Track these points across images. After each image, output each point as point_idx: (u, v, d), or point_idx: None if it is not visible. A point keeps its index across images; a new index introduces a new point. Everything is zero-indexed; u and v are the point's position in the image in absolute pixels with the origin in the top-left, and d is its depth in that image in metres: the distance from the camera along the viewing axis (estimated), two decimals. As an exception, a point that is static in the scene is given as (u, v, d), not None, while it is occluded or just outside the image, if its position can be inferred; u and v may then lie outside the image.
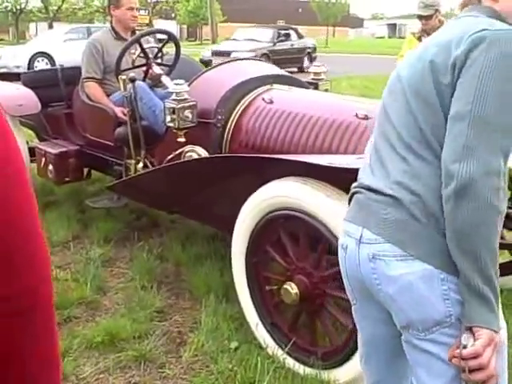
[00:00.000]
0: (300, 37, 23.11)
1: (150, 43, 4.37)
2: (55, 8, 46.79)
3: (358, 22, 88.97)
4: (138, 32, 4.55)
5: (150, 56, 4.16)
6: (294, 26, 24.69)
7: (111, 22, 4.64)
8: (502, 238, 3.69)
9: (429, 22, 5.52)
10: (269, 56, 18.34)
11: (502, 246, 3.68)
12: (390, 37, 76.77)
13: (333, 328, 2.77)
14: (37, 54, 18.09)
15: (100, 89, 4.41)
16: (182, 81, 3.58)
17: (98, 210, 4.81)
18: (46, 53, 18.14)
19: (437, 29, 5.39)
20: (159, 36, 5.14)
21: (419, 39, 5.74)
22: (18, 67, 16.25)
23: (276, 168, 2.86)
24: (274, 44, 21.00)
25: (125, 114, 4.02)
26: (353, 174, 2.49)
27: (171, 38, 4.25)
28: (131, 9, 4.51)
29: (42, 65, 17.64)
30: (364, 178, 1.64)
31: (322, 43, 48.74)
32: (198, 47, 44.34)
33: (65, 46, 17.80)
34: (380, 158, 1.59)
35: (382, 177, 1.55)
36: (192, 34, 65.66)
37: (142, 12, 26.33)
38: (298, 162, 2.61)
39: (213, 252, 4.09)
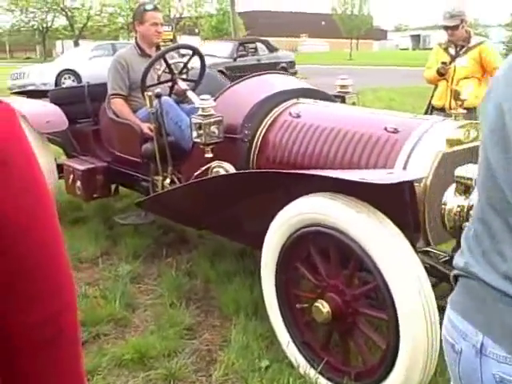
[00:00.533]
0: (272, 50, 21.01)
1: (174, 59, 4.36)
2: (80, 26, 47.40)
3: (381, 34, 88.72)
4: (162, 48, 4.56)
5: (175, 71, 4.16)
6: (263, 38, 22.45)
7: (136, 39, 4.66)
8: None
9: (455, 32, 5.45)
10: (224, 73, 15.63)
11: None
12: (414, 48, 76.39)
13: (366, 347, 2.71)
14: (63, 71, 18.33)
15: (126, 105, 4.43)
16: (207, 96, 3.57)
17: (126, 226, 4.81)
18: (72, 70, 18.38)
19: (464, 39, 5.32)
20: (183, 51, 5.13)
21: (446, 50, 5.67)
22: (45, 84, 16.47)
23: (305, 184, 2.82)
24: (235, 59, 18.95)
25: (151, 130, 4.03)
26: (384, 189, 2.48)
27: (196, 52, 4.25)
28: (155, 24, 4.52)
29: (68, 82, 17.87)
30: (471, 260, 1.24)
31: (346, 56, 48.68)
32: (222, 62, 44.58)
33: (90, 63, 18.01)
34: (490, 233, 1.20)
35: (499, 263, 1.17)
36: (216, 48, 66.03)
37: (166, 28, 26.53)
38: (327, 177, 2.57)
39: (242, 268, 4.06)
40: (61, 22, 50.92)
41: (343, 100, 4.15)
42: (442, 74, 5.54)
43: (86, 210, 5.54)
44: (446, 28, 5.47)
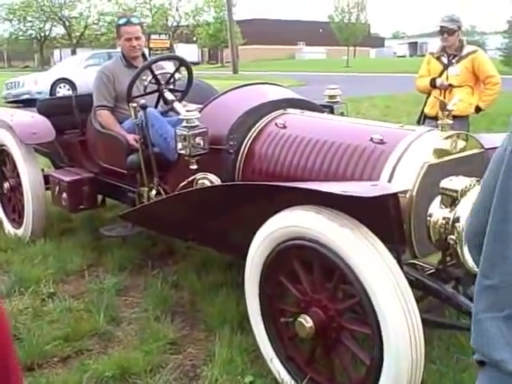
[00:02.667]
0: None
1: (163, 69, 4.31)
2: (78, 34, 47.52)
3: (379, 42, 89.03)
4: (149, 58, 4.52)
5: (162, 82, 4.11)
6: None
7: (122, 51, 4.62)
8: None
9: (450, 37, 5.43)
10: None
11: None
12: (411, 55, 76.54)
13: (350, 363, 2.65)
14: (58, 80, 18.32)
15: (112, 117, 4.39)
16: (193, 107, 3.52)
17: (114, 237, 4.76)
18: (67, 79, 18.36)
19: (457, 49, 5.28)
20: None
21: (438, 59, 5.63)
22: (39, 93, 16.47)
23: (289, 196, 2.77)
24: None
25: (137, 141, 3.98)
26: (367, 202, 2.43)
27: (183, 63, 4.21)
28: (129, 39, 4.46)
29: (63, 91, 17.85)
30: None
31: (343, 63, 48.80)
32: (219, 69, 44.69)
33: (86, 71, 17.98)
34: None
35: None
36: (213, 56, 66.30)
37: (163, 36, 26.54)
38: (310, 190, 2.52)
39: (229, 281, 4.00)
40: (58, 30, 51.09)
41: (332, 110, 4.10)
42: (435, 85, 5.54)
43: (74, 221, 5.49)
44: (443, 31, 5.43)
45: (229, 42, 39.09)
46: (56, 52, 56.52)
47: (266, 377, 2.94)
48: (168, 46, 25.94)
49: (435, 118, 5.36)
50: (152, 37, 24.59)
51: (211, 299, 3.78)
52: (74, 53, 41.56)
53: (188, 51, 48.24)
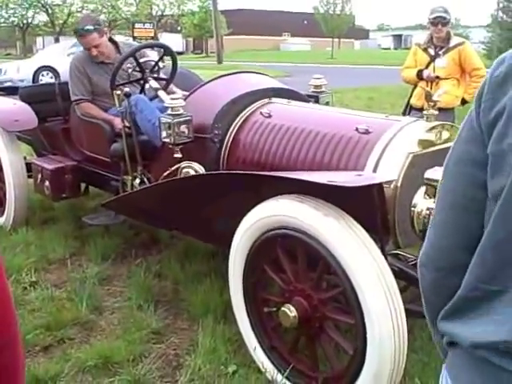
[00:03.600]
0: None
1: (146, 57, 4.27)
2: (61, 22, 47.03)
3: (363, 34, 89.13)
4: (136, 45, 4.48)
5: (147, 70, 4.07)
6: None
7: None
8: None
9: (443, 28, 5.41)
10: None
11: None
12: (395, 48, 76.78)
13: (334, 352, 2.66)
14: (41, 67, 18.12)
15: (93, 106, 4.35)
16: (177, 95, 3.50)
17: (97, 226, 4.72)
18: (50, 66, 18.16)
19: (444, 40, 5.26)
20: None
21: (425, 51, 5.62)
22: (22, 81, 16.28)
23: (274, 185, 2.76)
24: None
25: (125, 127, 3.93)
26: (352, 192, 2.42)
27: (167, 51, 4.17)
28: (88, 49, 4.42)
29: (46, 79, 17.66)
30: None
31: (328, 55, 48.78)
32: (204, 59, 44.49)
33: (69, 59, 17.73)
34: None
35: None
36: (198, 46, 65.97)
37: (148, 25, 26.38)
38: (295, 179, 2.51)
39: (213, 270, 3.98)
40: (41, 18, 50.51)
41: (317, 100, 4.09)
42: (422, 77, 5.53)
43: (56, 209, 5.44)
44: (437, 22, 5.40)
45: (213, 32, 38.93)
46: (39, 40, 55.91)
47: (250, 366, 2.93)
48: (152, 35, 25.82)
49: (421, 110, 5.35)
50: (136, 26, 24.46)
51: (194, 288, 3.76)
52: (57, 40, 41.14)
53: (172, 41, 47.93)
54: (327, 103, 4.10)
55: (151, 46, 4.45)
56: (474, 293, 1.03)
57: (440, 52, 5.51)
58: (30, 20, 50.20)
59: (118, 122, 4.06)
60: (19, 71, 17.78)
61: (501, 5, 33.47)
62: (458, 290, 1.06)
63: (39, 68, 18.11)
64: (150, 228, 4.72)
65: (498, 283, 0.98)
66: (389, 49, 75.92)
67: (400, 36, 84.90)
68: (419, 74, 5.56)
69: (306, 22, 72.33)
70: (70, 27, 46.71)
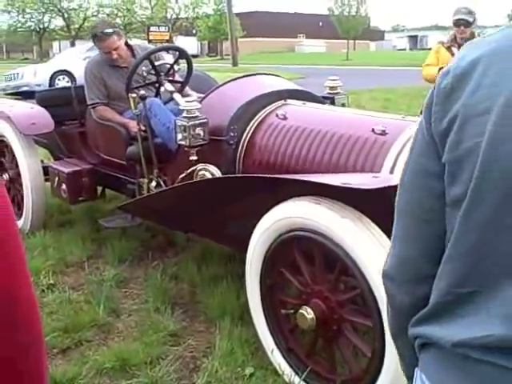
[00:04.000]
0: None
1: (162, 60, 4.28)
2: (77, 26, 47.39)
3: (379, 35, 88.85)
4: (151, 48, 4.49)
5: (161, 73, 4.09)
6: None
7: None
8: None
9: (466, 29, 5.36)
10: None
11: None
12: (411, 49, 76.44)
13: (352, 355, 2.64)
14: (57, 72, 18.26)
15: (109, 109, 4.38)
16: (193, 97, 3.50)
17: (113, 229, 4.75)
18: (66, 70, 18.29)
19: (467, 40, 5.19)
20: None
21: (449, 49, 5.54)
22: (39, 85, 16.39)
23: (290, 187, 2.75)
24: None
25: (141, 130, 3.94)
26: (369, 193, 2.41)
27: (182, 54, 4.18)
28: (109, 53, 4.42)
29: (62, 83, 17.79)
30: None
31: (343, 57, 48.70)
32: (219, 62, 44.58)
33: (85, 63, 17.91)
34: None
35: None
36: (213, 49, 66.17)
37: (162, 29, 26.45)
38: (311, 182, 2.50)
39: (229, 272, 3.99)
40: (57, 22, 50.93)
41: (333, 101, 4.08)
42: None
43: (74, 212, 5.47)
44: (460, 24, 5.35)
45: (228, 35, 39.00)
46: (55, 44, 56.41)
47: (267, 368, 2.93)
48: (167, 38, 25.88)
49: None
50: (151, 29, 24.50)
51: (211, 291, 3.76)
52: (73, 45, 41.44)
53: (187, 44, 48.14)
54: (343, 105, 4.09)
55: (166, 49, 4.46)
56: (447, 297, 1.04)
57: None
58: (46, 25, 50.64)
59: (133, 125, 4.08)
60: (36, 75, 17.93)
61: (517, 4, 33.20)
62: (430, 298, 1.07)
63: (55, 72, 18.25)
64: (166, 231, 4.73)
65: (470, 285, 1.00)
66: (404, 50, 75.62)
67: (415, 37, 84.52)
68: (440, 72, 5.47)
69: (321, 23, 72.28)
70: (85, 31, 47.09)
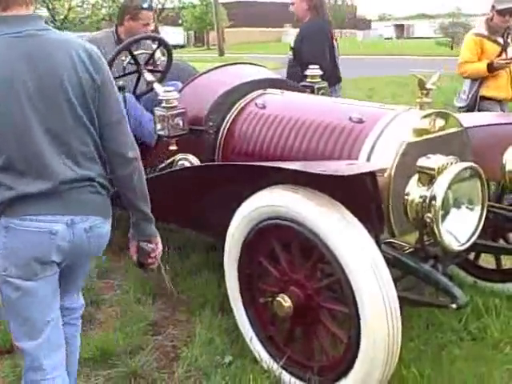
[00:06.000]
0: None
1: (140, 50, 4.25)
2: (62, 17, 46.96)
3: (365, 24, 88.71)
4: None
5: (141, 63, 4.06)
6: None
7: (116, 27, 4.51)
8: (509, 242, 3.58)
9: (510, 19, 5.07)
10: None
11: (510, 251, 3.57)
12: (397, 37, 76.45)
13: (329, 341, 2.66)
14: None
15: None
16: (171, 88, 3.49)
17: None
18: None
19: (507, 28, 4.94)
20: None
21: (491, 40, 5.21)
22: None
23: (267, 175, 2.76)
24: None
25: None
26: (344, 181, 2.42)
27: (162, 44, 4.15)
28: (147, 25, 4.38)
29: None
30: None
31: (329, 45, 48.54)
32: (205, 52, 44.41)
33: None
34: None
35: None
36: (199, 39, 65.81)
37: (148, 19, 26.25)
38: (287, 169, 2.50)
39: (211, 262, 4.00)
40: (42, 13, 50.40)
41: (312, 90, 4.08)
42: (494, 69, 5.12)
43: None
44: (506, 13, 5.04)
45: (214, 25, 38.85)
46: (40, 35, 55.78)
47: (246, 357, 2.94)
48: (153, 28, 25.73)
49: (494, 100, 5.14)
50: (136, 19, 24.29)
51: (193, 281, 3.78)
52: (57, 36, 41.06)
53: (174, 34, 47.91)
54: (323, 94, 4.09)
55: (145, 39, 4.41)
56: None
57: (508, 40, 5.19)
58: (30, 16, 50.13)
59: None
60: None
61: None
62: None
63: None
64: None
65: None
66: (391, 38, 75.59)
67: (402, 26, 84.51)
68: (490, 67, 5.10)
69: (307, 13, 71.97)
70: (71, 22, 46.71)
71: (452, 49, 39.52)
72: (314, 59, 4.53)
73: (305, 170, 2.42)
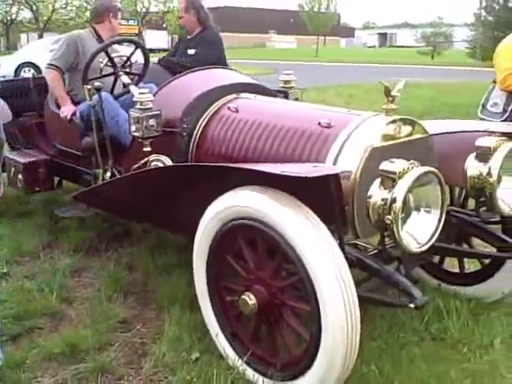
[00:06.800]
0: None
1: (118, 52, 4.33)
2: (45, 19, 46.67)
3: (349, 32, 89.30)
4: None
5: (118, 65, 4.13)
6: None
7: (94, 27, 4.63)
8: (471, 247, 3.68)
9: None
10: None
11: (473, 255, 3.68)
12: (380, 46, 77.08)
13: (292, 339, 2.73)
14: (23, 63, 18.04)
15: (60, 80, 4.49)
16: (146, 90, 3.56)
17: (71, 219, 4.78)
18: (32, 63, 18.09)
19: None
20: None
21: None
22: (3, 77, 16.15)
23: (237, 177, 2.82)
24: None
25: (73, 114, 4.16)
26: (308, 183, 2.50)
27: (139, 47, 4.23)
28: (120, 23, 4.75)
29: (28, 75, 17.58)
30: None
31: (313, 53, 48.91)
32: (189, 57, 44.34)
33: (51, 55, 17.75)
34: None
35: None
36: (183, 43, 65.65)
37: (132, 22, 26.30)
38: (253, 170, 2.58)
39: (183, 261, 4.05)
40: (25, 14, 50.08)
41: (286, 95, 4.17)
42: None
43: (32, 203, 5.48)
44: None
45: (198, 29, 38.78)
46: (23, 36, 55.47)
47: (213, 353, 3.00)
48: (136, 32, 25.74)
49: None
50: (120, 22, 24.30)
51: (164, 279, 3.84)
52: (41, 37, 40.84)
53: (157, 38, 47.86)
54: (296, 99, 4.18)
55: (121, 42, 4.49)
56: None
57: None
58: (14, 16, 49.79)
59: (65, 110, 4.28)
60: (0, 67, 17.71)
61: (484, 3, 33.62)
62: None
63: (21, 64, 18.03)
64: (123, 222, 4.78)
65: None
66: (374, 47, 76.17)
67: (385, 34, 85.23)
68: None
69: (292, 19, 72.33)
70: (54, 23, 46.47)
71: (433, 58, 40.02)
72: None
73: (267, 171, 2.49)
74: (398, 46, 71.94)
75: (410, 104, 11.62)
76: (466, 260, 3.78)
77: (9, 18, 50.09)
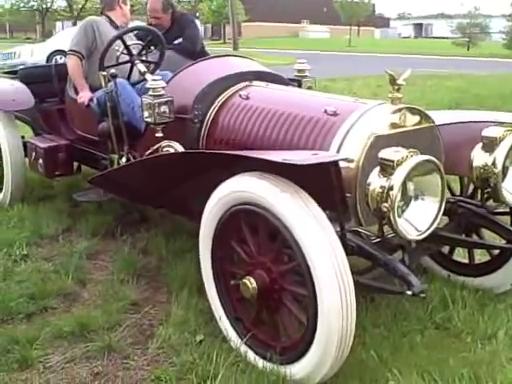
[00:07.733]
0: None
1: (133, 40, 4.41)
2: (79, 7, 47.21)
3: (383, 22, 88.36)
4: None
5: (134, 53, 4.20)
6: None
7: (107, 15, 4.73)
8: (481, 238, 3.68)
9: None
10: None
11: (482, 246, 3.68)
12: (415, 36, 76.15)
13: (291, 323, 2.78)
14: (55, 51, 18.26)
15: (80, 68, 4.59)
16: (158, 77, 3.63)
17: (90, 204, 4.90)
18: (63, 50, 18.28)
19: None
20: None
21: None
22: (23, 64, 16.43)
23: (241, 164, 2.88)
24: None
25: (90, 100, 4.26)
26: (308, 170, 2.54)
27: (154, 36, 4.29)
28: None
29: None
30: None
31: (346, 43, 48.58)
32: (221, 46, 44.44)
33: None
34: None
35: None
36: (216, 32, 65.90)
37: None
38: (254, 158, 2.63)
39: (195, 247, 4.11)
40: (60, 2, 50.74)
41: (300, 84, 4.21)
42: None
43: (54, 188, 5.62)
44: None
45: (230, 18, 38.91)
46: (58, 24, 56.24)
47: (217, 336, 3.07)
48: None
49: None
50: (151, 11, 24.40)
51: (175, 264, 3.92)
52: (74, 25, 41.31)
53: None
54: (310, 87, 4.21)
55: (137, 30, 4.58)
56: None
57: None
58: (49, 5, 50.47)
59: (82, 96, 4.38)
60: (33, 55, 17.98)
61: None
62: None
63: (53, 52, 18.26)
64: (140, 207, 4.87)
65: None
66: (409, 37, 75.28)
67: (421, 25, 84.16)
68: None
69: (325, 9, 71.88)
70: (87, 11, 46.95)
71: (468, 49, 39.42)
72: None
73: (268, 158, 2.54)
74: (433, 37, 70.96)
75: (437, 95, 11.50)
76: (476, 251, 3.78)
77: (44, 6, 50.76)
